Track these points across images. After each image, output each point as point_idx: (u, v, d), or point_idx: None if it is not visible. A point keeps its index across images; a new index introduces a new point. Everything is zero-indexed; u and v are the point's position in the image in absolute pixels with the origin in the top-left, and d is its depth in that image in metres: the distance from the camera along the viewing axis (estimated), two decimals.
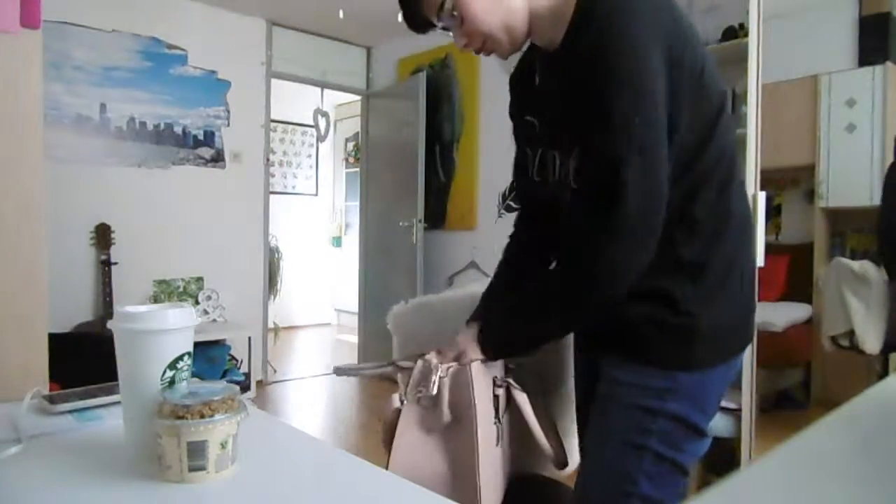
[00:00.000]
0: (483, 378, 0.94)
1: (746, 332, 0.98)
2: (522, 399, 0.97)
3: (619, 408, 0.93)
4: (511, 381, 0.98)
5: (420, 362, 0.94)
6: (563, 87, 0.92)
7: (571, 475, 1.07)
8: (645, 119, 0.81)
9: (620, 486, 0.91)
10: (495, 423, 0.96)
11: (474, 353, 0.94)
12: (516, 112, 1.09)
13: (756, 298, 0.99)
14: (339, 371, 1.01)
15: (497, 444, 0.96)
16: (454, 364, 0.93)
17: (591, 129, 0.85)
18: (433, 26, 0.96)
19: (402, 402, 0.93)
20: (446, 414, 0.92)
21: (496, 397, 0.97)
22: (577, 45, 0.86)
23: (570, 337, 1.14)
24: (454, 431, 0.93)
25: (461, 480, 0.91)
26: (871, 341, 2.73)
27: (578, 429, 1.11)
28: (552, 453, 0.99)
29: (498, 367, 0.98)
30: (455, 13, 0.90)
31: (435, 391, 0.90)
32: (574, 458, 1.13)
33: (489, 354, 0.95)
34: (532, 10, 0.92)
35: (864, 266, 2.79)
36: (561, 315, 0.91)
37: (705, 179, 0.89)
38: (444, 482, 0.92)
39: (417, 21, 0.95)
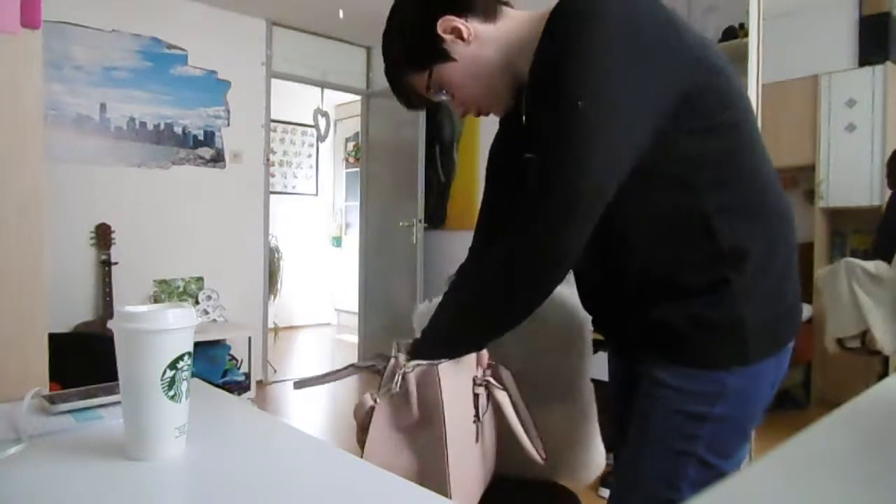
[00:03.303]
0: (455, 376, 0.93)
1: (793, 320, 0.92)
2: (503, 397, 0.97)
3: (663, 412, 0.89)
4: (491, 379, 0.97)
5: (392, 360, 0.93)
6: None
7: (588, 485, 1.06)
8: (590, 108, 0.77)
9: (662, 493, 0.88)
10: (475, 421, 0.95)
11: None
12: (510, 150, 1.04)
13: (799, 283, 0.94)
14: (298, 384, 1.00)
15: (477, 442, 0.96)
16: (422, 362, 0.92)
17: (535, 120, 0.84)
18: (433, 102, 0.99)
19: (374, 400, 0.93)
20: (416, 411, 0.92)
21: (476, 396, 0.96)
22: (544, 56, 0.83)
23: (587, 341, 1.12)
24: (424, 429, 0.92)
25: (430, 477, 0.91)
26: (889, 341, 2.70)
27: (616, 434, 1.07)
28: (532, 449, 0.98)
29: (472, 366, 0.97)
30: (443, 90, 0.94)
31: (397, 389, 0.90)
32: (592, 468, 1.12)
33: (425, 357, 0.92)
34: (507, 51, 0.91)
35: (879, 266, 2.76)
36: (480, 309, 0.88)
37: (735, 167, 0.86)
38: (413, 479, 0.92)
39: (415, 102, 1.00)
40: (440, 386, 0.90)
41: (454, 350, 0.91)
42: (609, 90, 0.77)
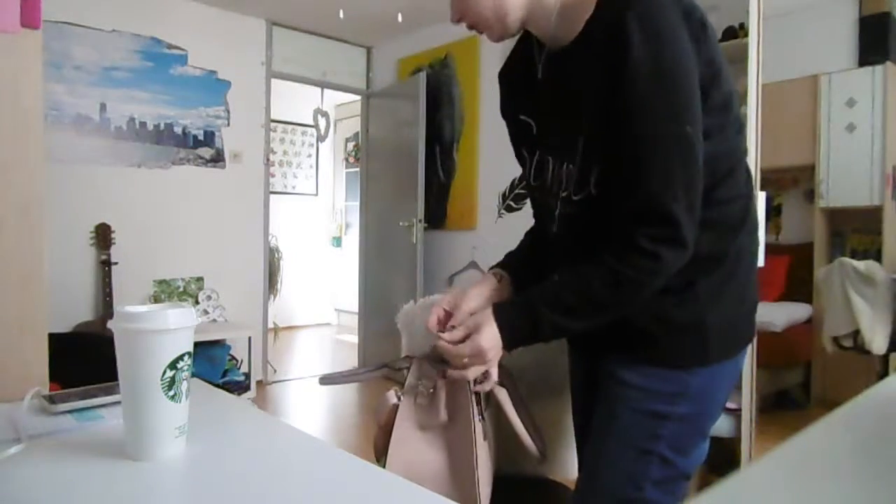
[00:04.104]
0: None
1: (751, 325, 0.97)
2: (503, 395, 0.97)
3: (627, 412, 0.91)
4: None
5: (415, 361, 0.94)
6: (576, 91, 0.88)
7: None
8: (684, 147, 0.80)
9: (625, 491, 0.90)
10: (479, 419, 0.96)
11: (496, 357, 0.89)
12: (509, 110, 1.05)
13: (758, 292, 0.98)
14: (325, 380, 1.00)
15: (484, 440, 0.97)
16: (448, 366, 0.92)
17: (626, 154, 0.82)
18: None
19: (398, 398, 0.93)
20: (443, 413, 0.92)
21: (477, 394, 0.97)
22: (602, 48, 0.82)
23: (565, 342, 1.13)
24: (450, 429, 0.93)
25: (460, 477, 0.91)
26: (879, 341, 2.72)
27: (576, 432, 1.10)
28: (533, 447, 0.99)
29: None
30: None
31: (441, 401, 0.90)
32: (575, 462, 1.12)
33: (508, 347, 0.89)
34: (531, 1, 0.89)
35: (870, 266, 2.78)
36: (598, 313, 0.87)
37: (723, 179, 0.88)
38: (442, 479, 0.92)
39: None
40: (470, 386, 0.91)
41: (537, 339, 0.89)
42: (698, 112, 0.81)
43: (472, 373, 0.90)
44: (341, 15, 3.96)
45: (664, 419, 0.89)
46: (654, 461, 0.89)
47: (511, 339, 0.89)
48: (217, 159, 4.03)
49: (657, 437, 0.89)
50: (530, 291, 0.90)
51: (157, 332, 0.71)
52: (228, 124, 4.07)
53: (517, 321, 0.88)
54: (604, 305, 0.86)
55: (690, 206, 0.81)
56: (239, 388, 3.82)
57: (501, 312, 0.89)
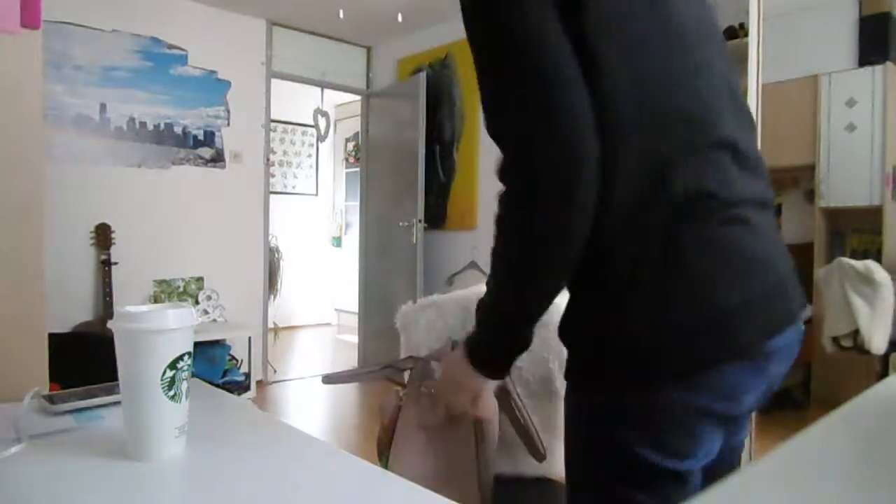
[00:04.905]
0: None
1: (712, 336, 0.67)
2: (504, 395, 0.97)
3: (566, 430, 0.81)
4: None
5: (420, 361, 0.94)
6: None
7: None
8: (523, 66, 0.71)
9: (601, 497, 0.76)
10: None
11: (489, 394, 0.84)
12: None
13: (741, 287, 0.69)
14: (327, 379, 1.00)
15: (486, 440, 0.97)
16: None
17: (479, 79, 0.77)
18: None
19: (401, 398, 0.94)
20: (442, 412, 0.93)
21: None
22: None
23: None
24: (452, 429, 0.93)
25: (460, 477, 0.92)
26: (878, 341, 2.72)
27: None
28: (537, 445, 0.99)
29: None
30: None
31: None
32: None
33: (482, 363, 0.81)
34: None
35: (869, 266, 2.78)
36: (512, 275, 0.74)
37: (624, 143, 0.68)
38: (442, 478, 0.92)
39: None
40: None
41: (512, 326, 0.77)
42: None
43: (461, 405, 0.84)
44: (341, 15, 3.96)
45: (603, 443, 0.73)
46: (600, 491, 0.75)
47: (477, 353, 0.80)
48: (217, 159, 4.03)
49: (597, 463, 0.75)
50: None
51: (157, 332, 0.71)
52: (228, 124, 4.07)
53: (473, 335, 0.81)
54: (510, 264, 0.73)
55: (524, 117, 0.69)
56: (239, 388, 3.82)
57: (467, 338, 0.83)
